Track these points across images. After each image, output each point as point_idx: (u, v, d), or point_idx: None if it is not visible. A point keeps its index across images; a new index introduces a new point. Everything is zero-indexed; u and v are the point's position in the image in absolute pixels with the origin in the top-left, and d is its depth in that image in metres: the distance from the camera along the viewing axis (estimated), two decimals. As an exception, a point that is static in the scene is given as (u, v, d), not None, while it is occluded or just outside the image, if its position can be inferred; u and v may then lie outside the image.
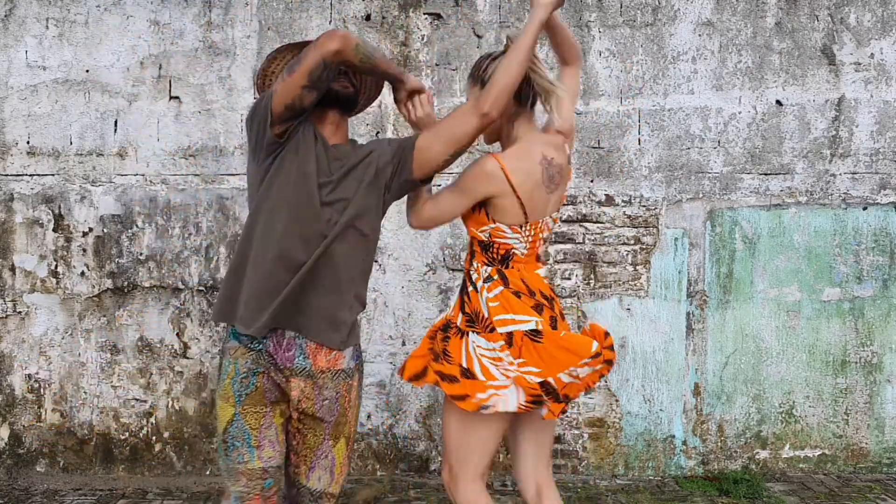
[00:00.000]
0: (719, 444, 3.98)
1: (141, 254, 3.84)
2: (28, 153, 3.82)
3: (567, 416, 3.93)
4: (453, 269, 3.88)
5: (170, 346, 3.86)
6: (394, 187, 2.15)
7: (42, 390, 3.85)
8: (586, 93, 3.89)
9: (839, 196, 3.98)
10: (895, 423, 4.02)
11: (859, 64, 3.95)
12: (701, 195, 3.94)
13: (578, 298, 3.92)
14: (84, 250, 3.84)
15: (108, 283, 3.84)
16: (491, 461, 2.31)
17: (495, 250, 2.24)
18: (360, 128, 3.84)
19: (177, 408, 3.86)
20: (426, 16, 3.86)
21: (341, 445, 2.14)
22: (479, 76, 2.24)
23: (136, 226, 3.84)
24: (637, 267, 3.93)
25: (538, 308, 2.20)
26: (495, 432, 2.25)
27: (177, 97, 3.83)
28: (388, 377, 3.89)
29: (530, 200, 2.18)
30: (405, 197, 2.26)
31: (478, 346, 2.17)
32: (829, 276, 3.98)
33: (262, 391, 2.04)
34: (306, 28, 3.84)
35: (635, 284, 3.93)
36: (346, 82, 2.13)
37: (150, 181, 3.84)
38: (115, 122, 3.83)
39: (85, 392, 3.86)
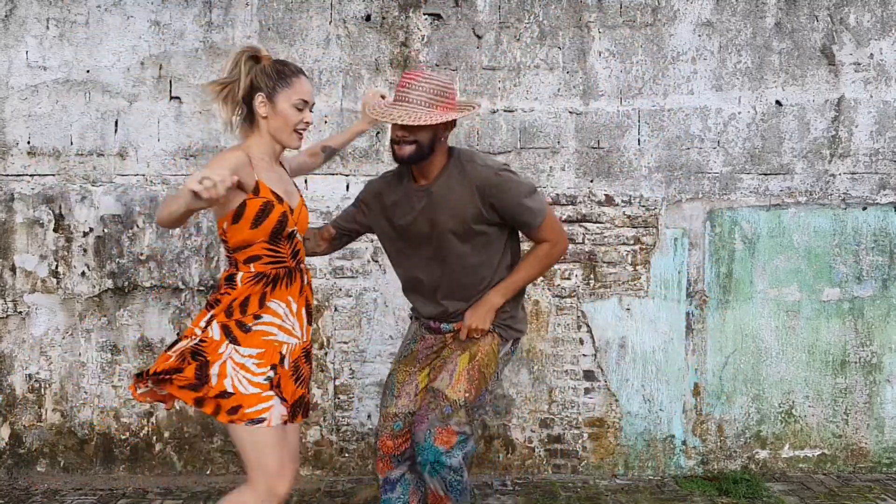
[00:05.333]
0: (719, 443, 3.98)
1: (141, 254, 3.85)
2: (28, 153, 3.83)
3: (567, 416, 3.94)
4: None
5: (170, 346, 3.87)
6: None
7: (42, 390, 3.86)
8: (586, 93, 3.90)
9: (839, 196, 3.98)
10: (895, 423, 4.02)
11: (859, 64, 3.95)
12: (700, 195, 3.95)
13: (578, 298, 3.92)
14: (84, 250, 3.85)
15: (109, 283, 3.85)
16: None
17: None
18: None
19: (177, 407, 3.87)
20: (426, 16, 3.87)
21: (465, 357, 2.52)
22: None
23: (137, 226, 3.84)
24: (637, 267, 3.94)
25: None
26: None
27: (177, 97, 3.84)
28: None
29: None
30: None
31: None
32: (829, 277, 3.99)
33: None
34: (307, 28, 3.84)
35: (635, 284, 3.94)
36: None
37: (151, 181, 3.85)
38: (116, 122, 3.84)
39: (85, 392, 3.86)
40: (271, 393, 2.26)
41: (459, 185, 2.45)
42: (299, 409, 2.40)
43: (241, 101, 2.30)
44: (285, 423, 2.30)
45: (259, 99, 2.27)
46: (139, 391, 2.29)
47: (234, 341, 2.25)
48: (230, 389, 2.22)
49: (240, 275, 2.28)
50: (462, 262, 2.52)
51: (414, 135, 2.39)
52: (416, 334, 2.72)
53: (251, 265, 2.29)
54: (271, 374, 2.27)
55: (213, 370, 2.22)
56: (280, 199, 2.28)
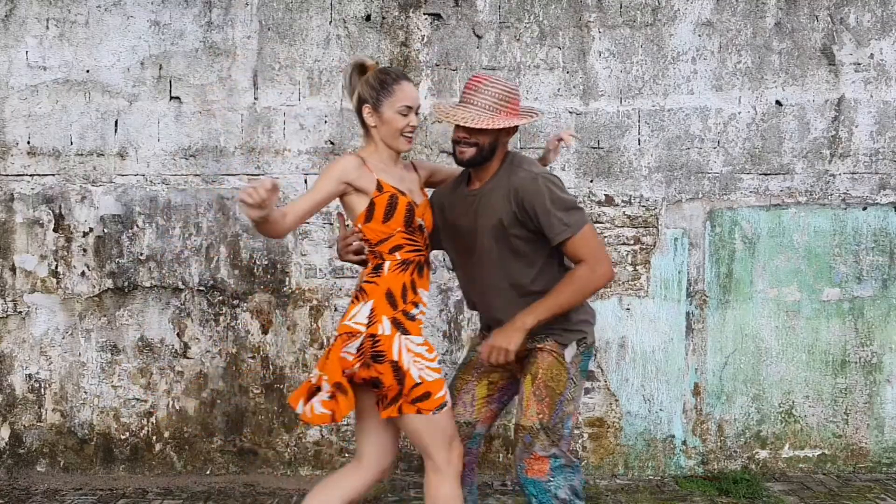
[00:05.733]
0: (719, 443, 3.98)
1: (141, 254, 3.85)
2: (28, 153, 3.83)
3: (567, 416, 3.94)
4: (453, 270, 3.88)
5: (170, 346, 3.87)
6: None
7: (42, 390, 3.86)
8: (586, 93, 3.90)
9: (839, 196, 3.98)
10: (895, 423, 4.02)
11: (859, 64, 3.95)
12: (701, 195, 3.95)
13: (578, 298, 3.92)
14: (84, 250, 3.85)
15: (109, 283, 3.85)
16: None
17: None
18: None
19: (177, 407, 3.87)
20: (426, 16, 3.87)
21: (528, 381, 2.45)
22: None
23: (137, 226, 3.84)
24: (637, 267, 3.93)
25: None
26: None
27: (177, 97, 3.84)
28: (388, 377, 3.90)
29: None
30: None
31: None
32: (829, 276, 3.99)
33: None
34: (307, 28, 3.84)
35: (635, 284, 3.93)
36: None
37: (151, 181, 3.85)
38: (116, 122, 3.84)
39: (85, 392, 3.86)
40: (443, 376, 2.41)
41: (503, 188, 2.44)
42: None
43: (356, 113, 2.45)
44: None
45: (366, 110, 2.40)
46: (309, 413, 2.35)
47: (405, 331, 2.37)
48: (417, 379, 2.33)
49: (387, 263, 2.40)
50: (500, 268, 2.48)
51: (475, 137, 2.40)
52: (477, 344, 2.68)
53: (396, 254, 2.41)
54: (436, 353, 2.44)
55: (404, 365, 2.32)
56: (402, 193, 2.40)
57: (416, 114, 2.43)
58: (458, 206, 2.53)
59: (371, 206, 2.36)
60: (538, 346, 2.47)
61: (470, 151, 2.41)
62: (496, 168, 2.49)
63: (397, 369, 2.30)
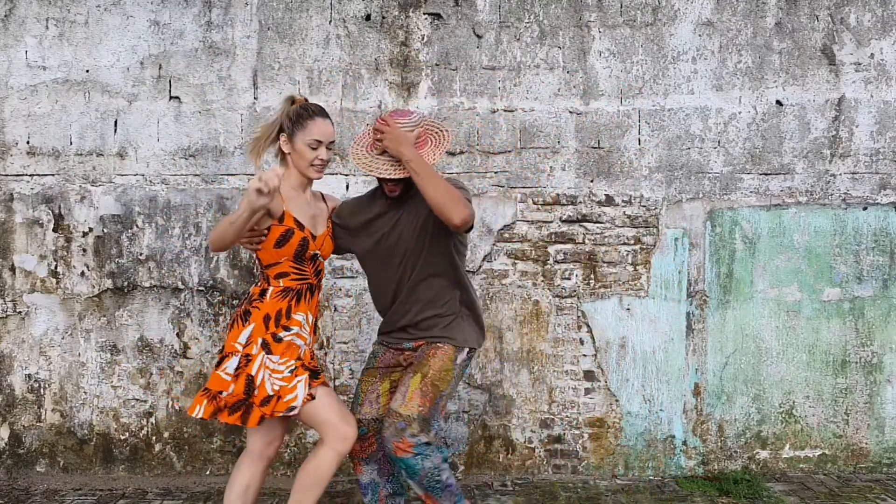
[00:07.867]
0: (719, 444, 3.98)
1: (141, 254, 3.85)
2: (28, 153, 3.82)
3: (567, 416, 3.94)
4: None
5: (170, 346, 3.86)
6: None
7: (42, 390, 3.86)
8: (586, 93, 3.89)
9: (839, 196, 3.98)
10: (895, 423, 4.02)
11: (859, 64, 3.95)
12: (701, 195, 3.94)
13: (578, 298, 3.92)
14: (84, 250, 3.84)
15: (108, 283, 3.84)
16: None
17: None
18: (360, 128, 3.85)
19: (177, 408, 3.87)
20: (426, 16, 3.87)
21: (417, 378, 2.71)
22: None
23: (136, 226, 3.84)
24: (637, 267, 3.93)
25: None
26: None
27: (177, 97, 3.83)
28: (388, 377, 3.89)
29: None
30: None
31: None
32: (829, 276, 3.98)
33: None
34: (307, 28, 3.84)
35: (635, 284, 3.93)
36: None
37: (150, 181, 3.84)
38: (115, 122, 3.83)
39: (85, 392, 3.86)
40: (295, 382, 2.58)
41: (418, 198, 2.74)
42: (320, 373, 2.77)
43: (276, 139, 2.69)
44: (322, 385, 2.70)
45: (282, 138, 2.65)
46: (198, 415, 2.61)
47: (269, 351, 2.59)
48: (270, 392, 2.56)
49: (270, 290, 2.64)
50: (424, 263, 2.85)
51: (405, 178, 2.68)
52: (377, 351, 2.94)
53: (280, 281, 2.64)
54: (293, 363, 2.60)
55: (258, 381, 2.56)
56: (301, 227, 2.61)
57: (328, 148, 2.64)
58: (386, 219, 2.78)
59: (267, 232, 2.57)
60: (438, 344, 2.78)
61: (399, 188, 2.71)
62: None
63: (250, 382, 2.54)
